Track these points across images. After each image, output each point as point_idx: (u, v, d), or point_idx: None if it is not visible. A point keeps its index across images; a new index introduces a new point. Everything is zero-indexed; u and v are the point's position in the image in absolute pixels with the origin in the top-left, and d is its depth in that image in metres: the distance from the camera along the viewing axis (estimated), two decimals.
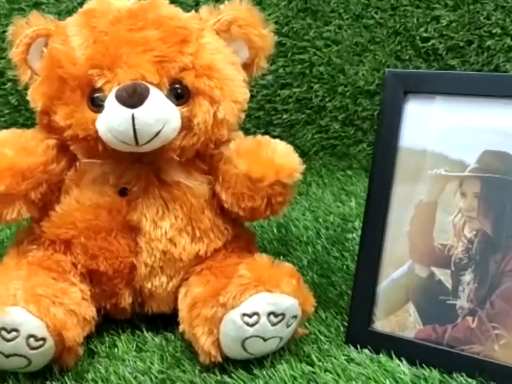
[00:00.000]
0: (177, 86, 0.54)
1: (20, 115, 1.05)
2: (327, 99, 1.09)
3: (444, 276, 0.56)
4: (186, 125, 0.54)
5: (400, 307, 0.58)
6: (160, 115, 0.52)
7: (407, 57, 1.08)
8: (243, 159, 0.56)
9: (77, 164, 0.58)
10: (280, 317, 0.53)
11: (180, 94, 0.54)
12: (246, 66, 0.60)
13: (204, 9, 0.59)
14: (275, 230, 0.85)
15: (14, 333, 0.49)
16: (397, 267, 0.58)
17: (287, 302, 0.53)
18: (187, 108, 0.54)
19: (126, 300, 0.59)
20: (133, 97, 0.50)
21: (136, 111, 0.51)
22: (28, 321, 0.49)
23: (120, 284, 0.58)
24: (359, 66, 1.08)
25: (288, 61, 1.07)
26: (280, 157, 0.56)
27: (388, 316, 0.58)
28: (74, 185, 0.57)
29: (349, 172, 1.09)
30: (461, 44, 1.06)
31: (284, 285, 0.53)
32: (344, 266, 0.75)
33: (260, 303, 0.52)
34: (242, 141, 0.59)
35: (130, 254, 0.57)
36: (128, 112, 0.51)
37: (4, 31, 0.99)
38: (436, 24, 1.06)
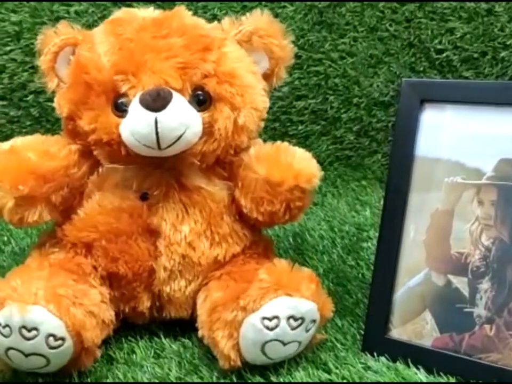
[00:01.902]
0: (199, 92, 0.55)
1: (40, 126, 1.06)
2: (342, 110, 1.09)
3: (460, 284, 0.55)
4: (208, 131, 0.55)
5: (417, 315, 0.57)
6: (182, 119, 0.53)
7: (421, 68, 1.07)
8: (262, 164, 0.57)
9: (100, 169, 0.59)
10: (299, 321, 0.52)
11: (202, 100, 0.55)
12: (266, 77, 0.61)
13: (226, 21, 0.60)
14: (291, 239, 0.85)
15: (34, 332, 0.49)
16: (413, 275, 0.58)
17: (306, 306, 0.53)
18: (208, 114, 0.55)
19: (145, 303, 0.59)
20: (156, 101, 0.51)
21: (159, 115, 0.51)
22: (48, 321, 0.49)
23: (139, 288, 0.58)
24: (373, 78, 1.08)
25: (304, 73, 1.07)
26: (299, 162, 0.56)
27: (405, 323, 0.58)
28: (96, 190, 0.58)
29: (364, 182, 1.09)
30: (475, 55, 1.06)
31: (303, 289, 0.53)
32: (360, 275, 0.75)
33: (280, 307, 0.52)
34: (262, 147, 0.60)
35: (149, 258, 0.57)
36: (151, 115, 0.51)
37: (27, 45, 1.02)
38: (450, 36, 1.06)
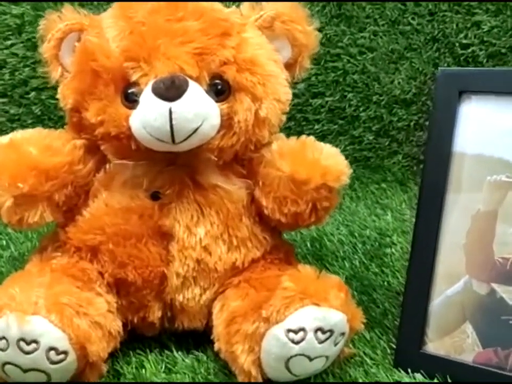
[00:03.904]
0: (218, 81, 0.52)
1: (43, 125, 1.05)
2: (361, 109, 1.08)
3: (506, 293, 0.52)
4: (226, 124, 0.52)
5: (456, 327, 0.54)
6: (199, 110, 0.49)
7: (445, 64, 1.06)
8: (286, 160, 0.54)
9: (107, 166, 0.56)
10: (328, 334, 0.49)
11: (220, 90, 0.52)
12: (288, 66, 0.58)
13: (245, 5, 0.57)
14: (309, 245, 0.82)
15: (33, 345, 0.46)
16: (452, 283, 0.54)
17: (335, 317, 0.50)
18: (227, 105, 0.52)
19: (155, 313, 0.56)
20: (170, 89, 0.48)
21: (174, 105, 0.48)
22: (49, 332, 0.47)
23: (149, 296, 0.55)
24: (394, 74, 1.07)
25: (321, 69, 1.06)
26: (326, 158, 0.53)
27: (442, 337, 0.54)
28: (103, 188, 0.55)
29: (383, 185, 1.07)
30: (503, 50, 1.04)
31: (332, 298, 0.50)
32: (385, 283, 0.72)
33: (307, 318, 0.49)
34: (285, 142, 0.57)
35: (161, 263, 0.54)
36: (165, 105, 0.48)
37: (29, 39, 1.01)
38: (476, 30, 1.04)
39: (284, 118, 0.58)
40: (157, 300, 0.55)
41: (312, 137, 0.56)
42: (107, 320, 0.52)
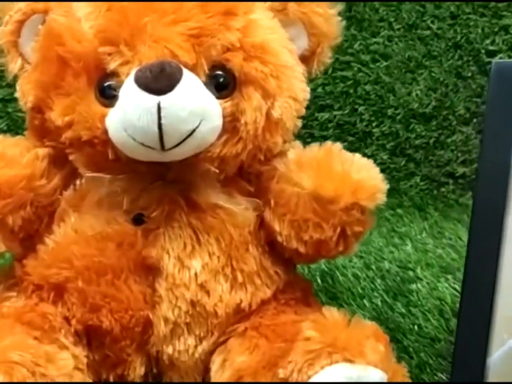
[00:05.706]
0: (219, 72, 0.46)
1: None
2: (373, 124, 1.04)
3: None
4: (230, 126, 0.46)
5: None
6: (196, 106, 0.43)
7: (469, 74, 1.03)
8: (308, 173, 0.48)
9: (77, 182, 0.51)
10: None
11: (223, 83, 0.46)
12: (304, 59, 0.52)
13: None
14: (319, 280, 0.76)
15: None
16: None
17: (374, 376, 0.44)
18: (231, 102, 0.46)
19: (137, 370, 0.51)
20: (159, 79, 0.42)
21: (164, 99, 0.42)
22: None
23: (129, 348, 0.50)
24: (412, 85, 1.04)
25: (329, 79, 1.02)
26: (358, 170, 0.48)
27: None
28: (72, 210, 0.50)
29: (399, 211, 1.02)
30: None
31: (369, 351, 0.44)
32: (415, 327, 0.65)
33: (337, 378, 0.44)
34: (305, 150, 0.51)
35: (145, 306, 0.49)
36: (152, 100, 0.42)
37: None
38: (504, 35, 1.02)
39: (300, 123, 0.52)
40: (140, 353, 0.50)
41: (339, 144, 0.50)
42: (74, 381, 0.46)
